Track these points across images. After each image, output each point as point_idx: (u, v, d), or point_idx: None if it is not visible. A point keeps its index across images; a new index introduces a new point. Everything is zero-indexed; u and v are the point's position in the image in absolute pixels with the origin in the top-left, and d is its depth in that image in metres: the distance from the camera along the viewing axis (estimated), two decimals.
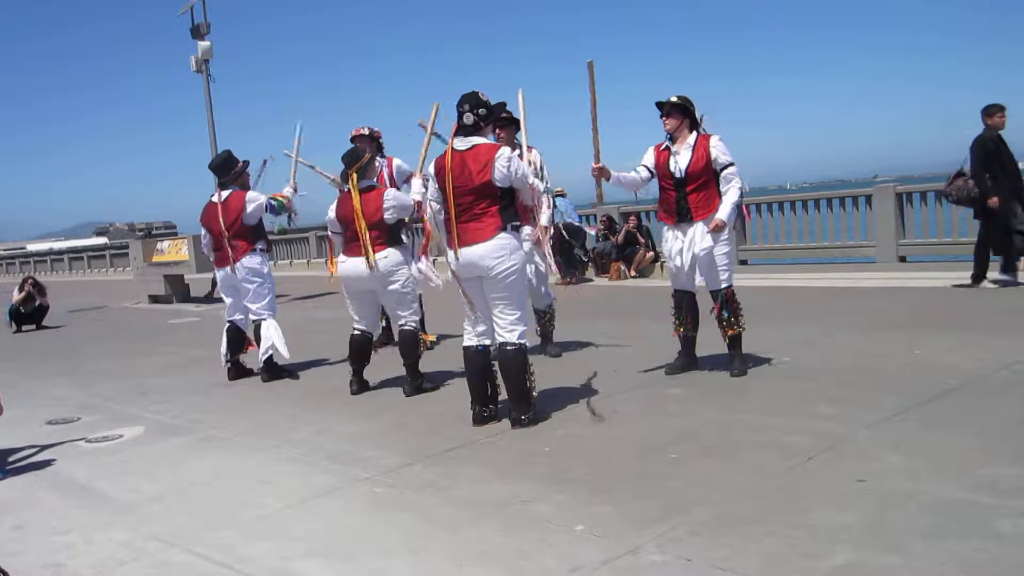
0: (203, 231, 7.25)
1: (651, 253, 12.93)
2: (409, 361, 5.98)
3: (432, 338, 6.14)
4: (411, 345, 5.97)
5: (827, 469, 3.74)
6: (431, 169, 5.02)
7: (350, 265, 5.98)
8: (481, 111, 4.76)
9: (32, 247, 49.81)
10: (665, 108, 5.57)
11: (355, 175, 5.91)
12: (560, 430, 4.72)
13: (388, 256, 5.90)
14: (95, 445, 5.36)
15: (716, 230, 5.45)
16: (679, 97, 5.55)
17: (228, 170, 7.01)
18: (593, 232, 14.02)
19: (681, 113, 5.54)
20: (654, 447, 4.26)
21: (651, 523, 3.31)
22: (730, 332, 5.60)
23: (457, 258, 4.81)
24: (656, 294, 11.11)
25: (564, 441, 4.52)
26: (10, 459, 5.12)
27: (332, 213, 6.14)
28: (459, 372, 6.36)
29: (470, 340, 5.01)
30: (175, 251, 15.17)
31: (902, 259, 11.85)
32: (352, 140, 7.41)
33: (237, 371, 7.21)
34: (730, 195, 5.48)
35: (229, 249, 6.93)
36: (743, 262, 12.72)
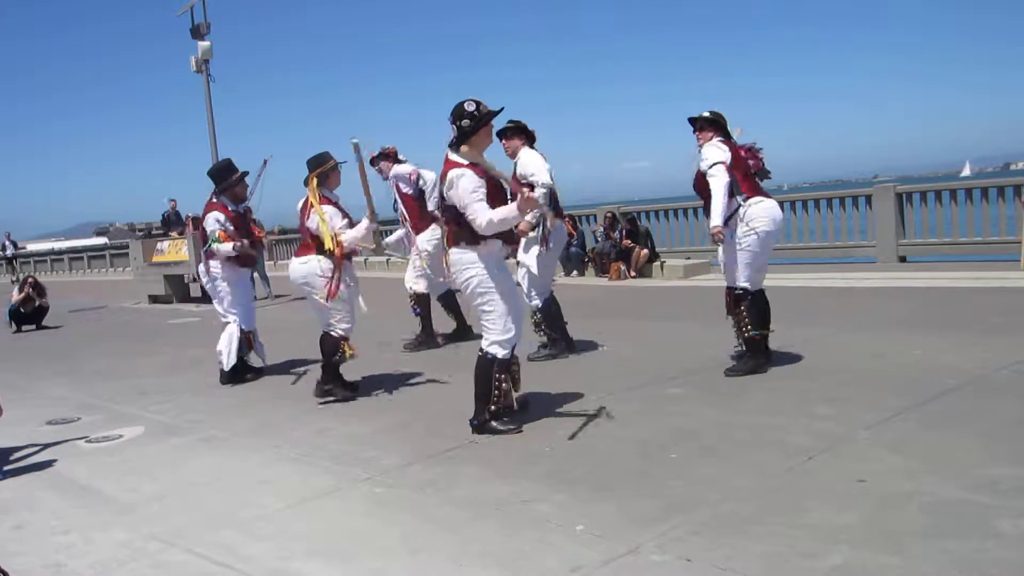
0: None
1: (645, 251, 12.85)
2: (323, 362, 5.99)
3: (352, 352, 5.96)
4: (329, 347, 5.93)
5: (827, 469, 3.74)
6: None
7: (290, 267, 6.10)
8: (464, 122, 4.61)
9: (32, 247, 49.71)
10: (697, 124, 5.62)
11: (314, 179, 5.92)
12: (560, 430, 4.72)
13: (306, 263, 5.88)
14: (95, 445, 5.37)
15: (713, 238, 5.48)
16: (711, 112, 5.59)
17: (222, 179, 7.05)
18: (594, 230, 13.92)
19: (711, 127, 5.55)
20: (654, 447, 4.27)
21: (651, 523, 3.31)
22: (744, 335, 5.60)
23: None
24: (656, 294, 11.12)
25: (564, 441, 4.52)
26: (10, 459, 5.12)
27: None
28: (457, 373, 6.36)
29: None
30: (175, 251, 15.14)
31: (902, 259, 11.87)
32: (372, 162, 7.71)
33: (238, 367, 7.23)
34: (713, 201, 5.36)
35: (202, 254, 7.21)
36: None
